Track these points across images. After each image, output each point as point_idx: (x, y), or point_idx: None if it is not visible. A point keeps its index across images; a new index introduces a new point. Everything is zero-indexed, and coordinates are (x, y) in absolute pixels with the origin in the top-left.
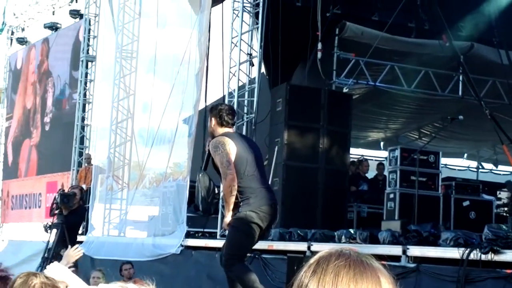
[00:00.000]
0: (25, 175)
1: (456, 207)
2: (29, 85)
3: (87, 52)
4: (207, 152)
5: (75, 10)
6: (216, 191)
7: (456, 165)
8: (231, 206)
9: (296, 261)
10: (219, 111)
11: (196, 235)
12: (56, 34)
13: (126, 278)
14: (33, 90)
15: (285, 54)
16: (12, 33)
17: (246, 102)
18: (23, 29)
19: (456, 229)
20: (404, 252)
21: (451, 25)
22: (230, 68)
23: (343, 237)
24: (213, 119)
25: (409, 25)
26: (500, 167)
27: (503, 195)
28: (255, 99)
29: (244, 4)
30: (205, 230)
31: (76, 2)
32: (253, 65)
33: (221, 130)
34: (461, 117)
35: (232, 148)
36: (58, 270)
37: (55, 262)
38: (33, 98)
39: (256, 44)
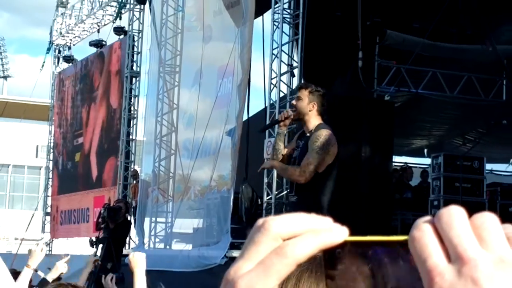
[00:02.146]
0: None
1: (502, 213)
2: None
3: (131, 68)
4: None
5: (119, 27)
6: (259, 202)
7: (502, 170)
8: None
9: None
10: (323, 96)
11: (241, 246)
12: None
13: None
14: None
15: (325, 64)
16: (59, 51)
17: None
18: (69, 48)
19: None
20: None
21: (493, 29)
22: (271, 79)
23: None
24: (315, 102)
25: (451, 31)
26: None
27: None
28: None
29: (284, 16)
30: None
31: (120, 19)
32: (294, 75)
33: (318, 119)
34: (504, 121)
35: (334, 153)
36: (139, 260)
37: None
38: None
39: (297, 55)
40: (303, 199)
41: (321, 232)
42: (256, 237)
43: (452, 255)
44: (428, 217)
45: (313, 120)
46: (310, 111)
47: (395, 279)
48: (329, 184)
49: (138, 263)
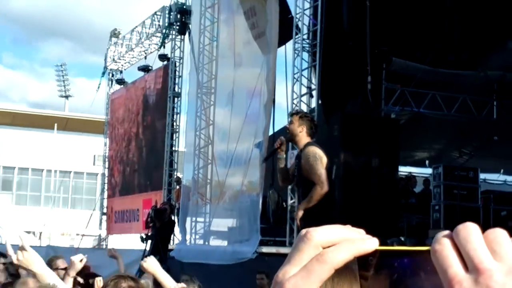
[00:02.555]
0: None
1: (494, 217)
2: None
3: (174, 89)
4: (297, 159)
5: (163, 54)
6: (284, 205)
7: (494, 179)
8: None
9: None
10: (311, 121)
11: (268, 243)
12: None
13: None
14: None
15: (339, 87)
16: (112, 75)
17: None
18: (121, 72)
19: None
20: None
21: (485, 57)
22: (293, 99)
23: (394, 244)
24: (304, 126)
25: (448, 58)
26: None
27: None
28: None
29: (304, 45)
30: (276, 239)
31: (164, 48)
32: (312, 96)
33: (307, 139)
34: (495, 137)
35: (325, 162)
36: (152, 264)
37: (152, 257)
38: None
39: (315, 79)
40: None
41: (355, 241)
42: (300, 245)
43: (469, 266)
44: (447, 232)
45: (303, 140)
46: (300, 132)
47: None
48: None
49: (153, 266)
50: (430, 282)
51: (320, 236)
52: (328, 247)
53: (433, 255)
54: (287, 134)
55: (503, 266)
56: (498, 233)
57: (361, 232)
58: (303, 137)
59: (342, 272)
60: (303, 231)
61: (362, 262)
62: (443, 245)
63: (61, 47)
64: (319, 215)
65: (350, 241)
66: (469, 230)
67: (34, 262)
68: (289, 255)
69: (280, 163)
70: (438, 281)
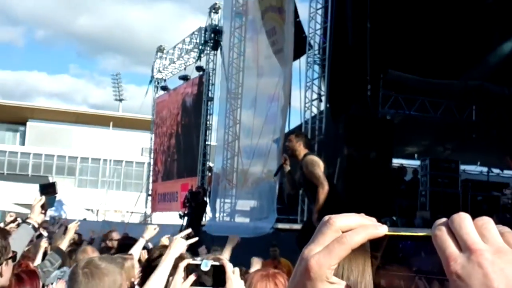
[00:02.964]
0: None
1: (472, 201)
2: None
3: (207, 95)
4: (300, 169)
5: (199, 66)
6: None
7: (472, 170)
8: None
9: None
10: (305, 137)
11: (283, 220)
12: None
13: (272, 258)
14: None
15: (344, 93)
16: (158, 83)
17: (317, 127)
18: (164, 80)
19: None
20: None
21: (466, 69)
22: (305, 103)
23: (387, 222)
24: (300, 142)
25: (436, 70)
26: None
27: (507, 192)
28: (323, 125)
29: (315, 59)
30: (290, 217)
31: (200, 61)
32: (321, 101)
33: (305, 151)
34: (474, 135)
35: (322, 166)
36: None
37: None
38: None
39: (324, 87)
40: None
41: (369, 227)
42: (323, 229)
43: (463, 247)
44: (444, 219)
45: (302, 152)
46: (298, 147)
47: (417, 264)
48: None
49: (176, 246)
50: (429, 261)
51: (340, 222)
52: (347, 231)
53: (434, 239)
54: (288, 151)
55: (491, 247)
56: (486, 221)
57: (373, 220)
58: (301, 150)
59: (357, 251)
60: (326, 217)
61: (373, 244)
62: (442, 230)
63: (116, 60)
64: (328, 210)
65: (365, 227)
66: (462, 218)
67: None
68: (313, 237)
69: (287, 175)
70: (436, 260)
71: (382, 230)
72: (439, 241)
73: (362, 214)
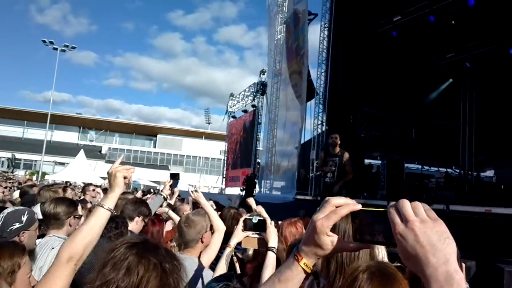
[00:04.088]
0: (233, 168)
1: (412, 186)
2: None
3: (258, 121)
4: (341, 158)
5: (253, 104)
6: (307, 177)
7: (412, 166)
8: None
9: None
10: (339, 138)
11: (300, 194)
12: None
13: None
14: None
15: (337, 120)
16: (230, 113)
17: (320, 141)
18: (233, 112)
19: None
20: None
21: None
22: (314, 126)
23: (362, 196)
24: (339, 140)
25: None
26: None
27: (433, 180)
28: (323, 139)
29: (320, 101)
30: (304, 192)
31: (254, 101)
32: (323, 125)
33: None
34: (413, 147)
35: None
36: (251, 201)
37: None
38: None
39: (325, 117)
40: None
41: (350, 205)
42: (325, 204)
43: (403, 219)
44: (394, 202)
45: (338, 147)
46: (337, 143)
47: (377, 227)
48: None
49: (251, 201)
50: (384, 225)
51: (335, 201)
52: (338, 207)
53: (388, 213)
54: (333, 141)
55: (419, 218)
56: (417, 203)
57: (353, 201)
58: (338, 145)
59: (344, 218)
60: (327, 198)
61: (353, 214)
62: (393, 208)
63: (207, 100)
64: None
65: (348, 204)
66: (404, 202)
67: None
68: (319, 208)
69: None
70: (388, 225)
71: (358, 206)
72: (390, 215)
73: (347, 198)
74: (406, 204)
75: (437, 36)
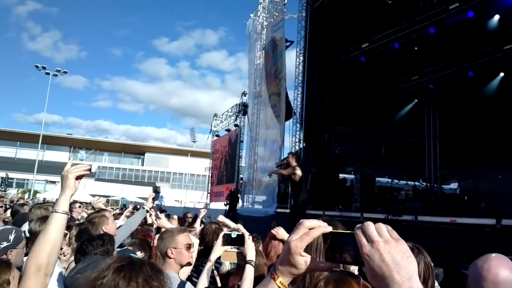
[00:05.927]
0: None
1: (382, 198)
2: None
3: (240, 139)
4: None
5: (235, 124)
6: (287, 191)
7: (383, 180)
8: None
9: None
10: (298, 157)
11: (280, 208)
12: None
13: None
14: (222, 156)
15: (313, 140)
16: (213, 132)
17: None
18: (217, 131)
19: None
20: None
21: (379, 125)
22: (292, 144)
23: (337, 209)
24: (294, 159)
25: (362, 125)
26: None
27: (402, 192)
28: (302, 155)
29: (297, 120)
30: (283, 205)
31: (236, 121)
32: (301, 142)
33: (295, 163)
34: (383, 162)
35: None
36: (223, 218)
37: (221, 215)
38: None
39: (302, 135)
40: (295, 193)
41: (322, 227)
42: (299, 226)
43: (369, 239)
44: (360, 224)
45: (293, 163)
46: (292, 160)
47: (346, 247)
48: (303, 187)
49: (223, 218)
50: (353, 246)
51: (308, 223)
52: (311, 229)
53: (355, 235)
54: (285, 162)
55: (383, 239)
56: (380, 225)
57: (325, 223)
58: (293, 163)
59: (317, 239)
60: (301, 220)
61: (324, 236)
62: (359, 229)
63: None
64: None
65: (320, 227)
66: (368, 224)
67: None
68: (294, 230)
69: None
70: (356, 245)
71: (329, 229)
72: (357, 236)
73: (320, 220)
74: (370, 226)
75: (402, 61)
